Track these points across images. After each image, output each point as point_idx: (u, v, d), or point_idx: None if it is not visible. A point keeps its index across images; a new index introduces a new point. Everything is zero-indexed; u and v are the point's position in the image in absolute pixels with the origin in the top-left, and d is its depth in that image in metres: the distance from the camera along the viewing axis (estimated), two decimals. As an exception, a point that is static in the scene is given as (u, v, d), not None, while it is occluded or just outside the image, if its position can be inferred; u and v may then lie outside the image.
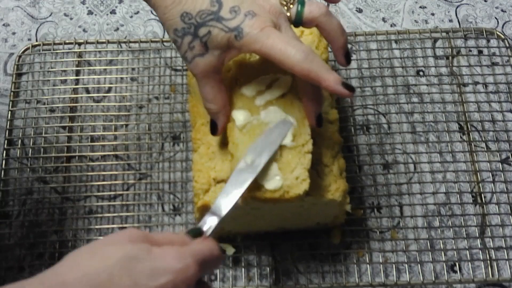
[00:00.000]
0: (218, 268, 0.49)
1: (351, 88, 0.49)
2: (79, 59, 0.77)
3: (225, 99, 0.53)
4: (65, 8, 0.82)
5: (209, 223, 0.46)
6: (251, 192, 0.50)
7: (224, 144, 0.56)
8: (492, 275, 0.64)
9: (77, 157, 0.71)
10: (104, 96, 0.75)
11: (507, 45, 0.78)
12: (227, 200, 0.47)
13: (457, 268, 0.64)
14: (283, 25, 0.50)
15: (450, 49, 0.78)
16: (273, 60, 0.48)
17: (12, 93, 0.74)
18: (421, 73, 0.76)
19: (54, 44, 0.78)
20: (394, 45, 0.78)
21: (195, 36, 0.49)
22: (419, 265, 0.64)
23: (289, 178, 0.50)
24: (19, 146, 0.71)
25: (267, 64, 0.55)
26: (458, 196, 0.68)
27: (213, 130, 0.54)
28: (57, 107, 0.74)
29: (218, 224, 0.46)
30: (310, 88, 0.51)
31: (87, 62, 0.77)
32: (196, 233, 0.45)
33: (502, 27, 0.81)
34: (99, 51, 0.78)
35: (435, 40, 0.79)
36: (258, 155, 0.50)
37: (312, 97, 0.52)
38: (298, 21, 0.51)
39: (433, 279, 0.64)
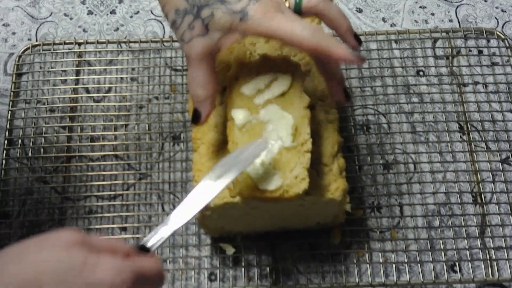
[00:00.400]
0: None
1: (362, 57, 0.49)
2: (79, 59, 0.77)
3: (216, 87, 0.51)
4: (65, 8, 0.82)
5: (160, 235, 0.43)
6: (251, 192, 0.50)
7: (224, 143, 0.56)
8: (492, 275, 0.64)
9: (77, 157, 0.71)
10: (104, 96, 0.75)
11: (507, 45, 0.78)
12: (183, 214, 0.45)
13: (457, 268, 0.64)
14: (285, 11, 0.50)
15: (450, 49, 0.78)
16: (281, 39, 0.48)
17: (12, 93, 0.74)
18: (421, 73, 0.76)
19: (54, 44, 0.78)
20: (394, 45, 0.78)
21: (197, 16, 0.49)
22: (419, 265, 0.64)
23: (288, 177, 0.50)
24: (19, 146, 0.71)
25: (267, 63, 0.55)
26: (458, 196, 0.68)
27: (196, 119, 0.52)
28: (57, 107, 0.74)
29: (168, 237, 0.44)
30: (328, 68, 0.53)
31: (87, 62, 0.77)
32: (142, 247, 0.42)
33: (502, 27, 0.81)
34: (99, 51, 0.78)
35: (435, 40, 0.79)
36: (226, 171, 0.48)
37: (334, 75, 0.53)
38: (297, 11, 0.51)
39: (433, 279, 0.63)
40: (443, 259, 0.65)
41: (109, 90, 0.75)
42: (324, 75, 0.54)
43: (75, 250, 0.37)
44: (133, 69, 0.76)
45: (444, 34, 0.79)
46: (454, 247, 0.65)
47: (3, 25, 0.81)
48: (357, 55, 0.49)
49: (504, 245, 0.65)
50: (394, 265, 0.64)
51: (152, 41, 0.78)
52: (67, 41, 0.78)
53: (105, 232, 0.66)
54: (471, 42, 0.79)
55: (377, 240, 0.66)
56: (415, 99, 0.74)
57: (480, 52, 0.78)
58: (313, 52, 0.49)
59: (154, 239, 0.43)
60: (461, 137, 0.72)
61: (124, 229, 0.66)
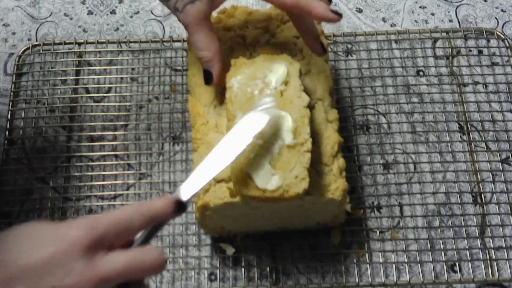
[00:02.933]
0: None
1: (338, 14, 0.52)
2: (79, 59, 0.77)
3: (218, 46, 0.55)
4: (65, 8, 0.82)
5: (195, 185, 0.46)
6: (251, 192, 0.50)
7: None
8: (492, 275, 0.64)
9: (77, 157, 0.71)
10: (104, 96, 0.75)
11: (507, 45, 0.78)
12: (213, 165, 0.47)
13: (457, 268, 0.64)
14: None
15: (450, 49, 0.78)
16: None
17: (12, 93, 0.74)
18: (421, 73, 0.76)
19: (54, 44, 0.78)
20: (394, 45, 0.78)
21: None
22: (419, 265, 0.64)
23: (288, 177, 0.50)
24: (19, 146, 0.71)
25: (266, 63, 0.55)
26: (458, 196, 0.68)
27: (208, 79, 0.56)
28: (57, 107, 0.74)
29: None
30: (304, 24, 0.56)
31: (87, 62, 0.77)
32: (180, 205, 0.45)
33: (502, 27, 0.81)
34: (99, 51, 0.78)
35: (435, 40, 0.79)
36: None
37: (311, 30, 0.56)
38: None
39: (433, 279, 0.63)
40: (443, 259, 0.65)
41: (109, 90, 0.75)
42: (301, 31, 0.57)
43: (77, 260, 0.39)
44: (133, 69, 0.76)
45: (444, 34, 0.79)
46: (454, 247, 0.65)
47: (3, 25, 0.81)
48: (334, 13, 0.52)
49: (504, 245, 0.65)
50: (394, 265, 0.64)
51: (152, 41, 0.78)
52: (67, 41, 0.78)
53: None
54: (471, 42, 0.79)
55: (377, 240, 0.66)
56: (415, 99, 0.74)
57: (480, 52, 0.78)
58: (293, 9, 0.52)
59: (189, 191, 0.45)
60: (461, 137, 0.72)
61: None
